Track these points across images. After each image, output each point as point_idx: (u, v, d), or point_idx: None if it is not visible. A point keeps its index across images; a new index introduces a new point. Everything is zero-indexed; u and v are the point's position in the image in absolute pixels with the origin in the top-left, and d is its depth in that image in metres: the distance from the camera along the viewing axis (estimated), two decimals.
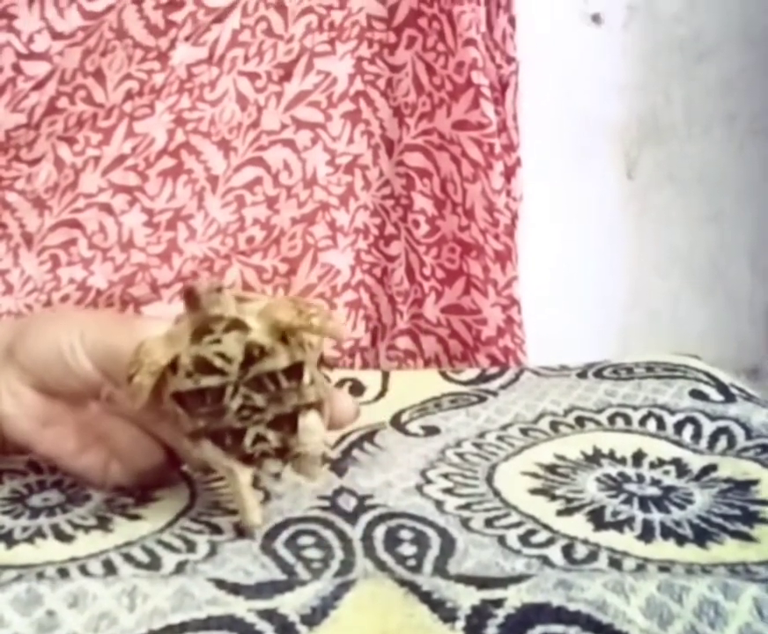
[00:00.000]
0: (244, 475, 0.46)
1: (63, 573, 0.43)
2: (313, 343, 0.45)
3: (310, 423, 0.45)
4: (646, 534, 0.47)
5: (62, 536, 0.47)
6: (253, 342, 0.44)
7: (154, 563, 0.44)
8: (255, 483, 0.50)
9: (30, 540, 0.46)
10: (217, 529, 0.47)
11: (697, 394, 0.62)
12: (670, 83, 0.96)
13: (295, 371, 0.45)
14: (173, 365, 0.44)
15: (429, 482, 0.52)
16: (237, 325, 0.44)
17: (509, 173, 0.78)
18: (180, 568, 0.44)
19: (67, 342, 0.48)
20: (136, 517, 0.48)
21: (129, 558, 0.44)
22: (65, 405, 0.50)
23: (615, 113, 0.95)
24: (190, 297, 0.44)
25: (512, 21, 0.78)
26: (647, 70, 0.95)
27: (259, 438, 0.45)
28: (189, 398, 0.45)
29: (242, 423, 0.45)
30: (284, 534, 0.47)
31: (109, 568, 0.43)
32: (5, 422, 0.50)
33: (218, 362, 0.44)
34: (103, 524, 0.48)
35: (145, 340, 0.45)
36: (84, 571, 0.43)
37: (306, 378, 0.45)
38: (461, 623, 0.38)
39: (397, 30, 0.75)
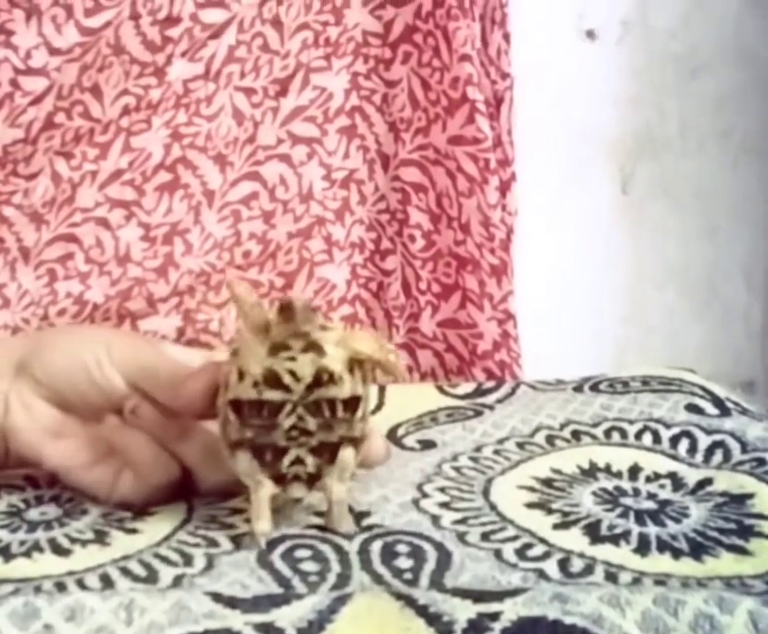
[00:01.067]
0: (267, 488, 0.46)
1: (61, 587, 0.43)
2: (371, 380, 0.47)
3: (347, 458, 0.47)
4: (642, 548, 0.47)
5: (60, 550, 0.47)
6: (324, 367, 0.45)
7: (151, 577, 0.44)
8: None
9: (27, 554, 0.46)
10: (214, 543, 0.47)
11: (692, 408, 0.62)
12: (665, 98, 0.96)
13: (351, 403, 0.46)
14: (240, 372, 0.45)
15: (425, 496, 0.52)
16: (314, 347, 0.45)
17: (504, 188, 0.78)
18: (177, 581, 0.44)
19: (92, 356, 0.49)
20: (133, 531, 0.48)
21: (126, 572, 0.44)
22: (78, 419, 0.50)
23: (609, 127, 0.96)
24: (287, 309, 0.45)
25: (506, 37, 0.78)
26: (642, 86, 0.95)
27: (297, 461, 0.46)
28: (246, 407, 0.45)
29: (287, 443, 0.46)
30: (281, 548, 0.47)
31: (106, 582, 0.43)
32: (16, 435, 0.50)
33: (287, 379, 0.45)
34: (100, 538, 0.48)
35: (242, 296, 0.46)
36: (81, 584, 0.43)
37: (360, 413, 0.46)
38: None
39: (393, 46, 0.76)
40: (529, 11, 0.84)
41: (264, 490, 0.46)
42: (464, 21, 0.73)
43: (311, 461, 0.46)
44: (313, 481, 0.47)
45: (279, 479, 0.46)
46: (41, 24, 0.69)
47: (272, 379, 0.45)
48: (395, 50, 0.76)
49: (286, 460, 0.46)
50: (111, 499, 0.50)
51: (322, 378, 0.45)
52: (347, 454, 0.47)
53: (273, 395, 0.45)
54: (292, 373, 0.45)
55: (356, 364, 0.46)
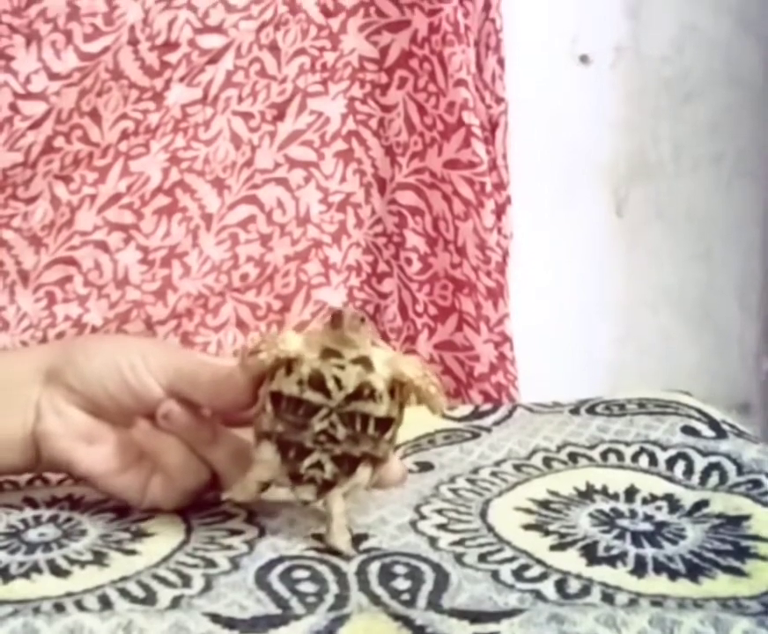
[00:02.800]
0: (263, 475, 0.48)
1: (59, 608, 0.43)
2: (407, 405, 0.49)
3: (363, 475, 0.48)
4: (639, 569, 0.47)
5: (58, 571, 0.47)
6: (368, 381, 0.47)
7: (150, 598, 0.44)
8: (251, 519, 0.51)
9: (26, 575, 0.46)
10: (212, 563, 0.47)
11: (688, 431, 0.62)
12: (658, 122, 0.97)
13: (384, 423, 0.47)
14: (290, 366, 0.47)
15: (423, 517, 0.52)
16: (364, 361, 0.47)
17: (500, 211, 0.79)
18: (175, 602, 0.44)
19: (126, 361, 0.50)
20: (131, 552, 0.49)
21: (124, 593, 0.44)
22: (109, 424, 0.51)
23: (603, 151, 0.96)
24: (336, 317, 0.46)
25: (501, 62, 0.79)
26: (635, 110, 0.96)
27: (317, 465, 0.47)
28: (285, 401, 0.47)
29: (313, 445, 0.47)
30: (279, 568, 0.47)
31: (105, 603, 0.44)
32: (47, 440, 0.51)
33: (331, 384, 0.46)
34: (99, 559, 0.48)
35: (287, 332, 0.48)
36: (79, 605, 0.43)
37: (389, 435, 0.48)
38: None
39: (389, 71, 0.76)
40: (524, 37, 0.85)
41: (260, 474, 0.48)
42: (459, 47, 0.74)
43: (330, 468, 0.48)
44: (325, 488, 0.48)
45: (295, 478, 0.48)
46: (41, 49, 0.69)
47: (316, 381, 0.47)
48: (392, 75, 0.76)
49: (307, 462, 0.47)
50: (142, 504, 0.51)
51: (363, 391, 0.47)
52: (365, 472, 0.48)
53: (313, 397, 0.47)
54: (337, 380, 0.46)
55: (397, 387, 0.48)
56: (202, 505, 0.52)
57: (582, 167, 0.96)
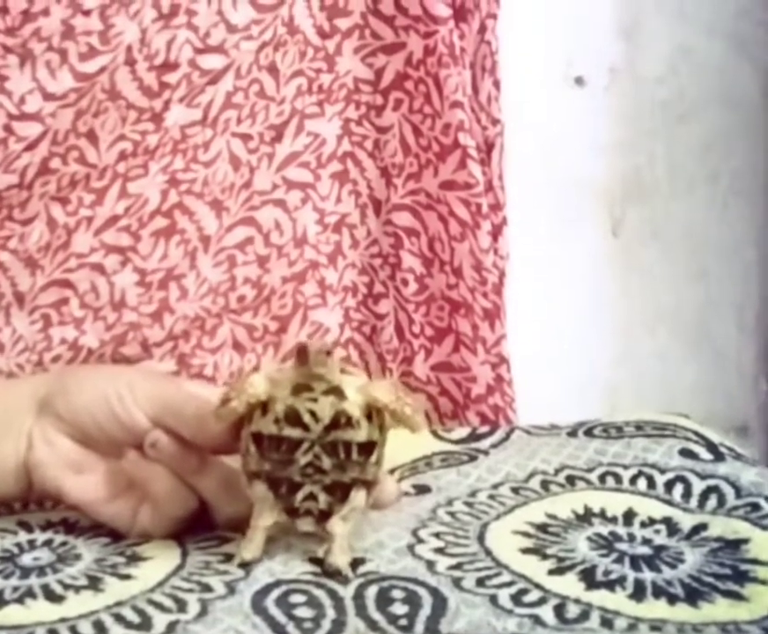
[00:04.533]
0: (266, 520, 0.48)
1: None
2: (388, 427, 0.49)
3: (357, 499, 0.49)
4: (638, 594, 0.47)
5: (53, 596, 0.46)
6: (343, 410, 0.47)
7: (145, 624, 0.44)
8: None
9: (20, 600, 0.46)
10: (208, 588, 0.47)
11: (686, 453, 0.62)
12: (653, 143, 0.97)
13: (367, 447, 0.48)
14: (265, 407, 0.48)
15: (420, 541, 0.52)
16: (335, 391, 0.48)
17: (496, 232, 0.79)
18: (170, 628, 0.44)
19: (115, 393, 0.51)
20: (126, 576, 0.48)
21: (119, 619, 0.44)
22: (98, 454, 0.52)
23: (598, 172, 0.96)
24: (302, 353, 0.47)
25: (496, 84, 0.79)
26: (630, 131, 0.96)
27: (310, 497, 0.48)
28: (266, 441, 0.48)
29: (302, 479, 0.48)
30: (276, 593, 0.46)
31: (100, 629, 0.43)
32: (37, 469, 0.52)
33: (307, 418, 0.47)
34: (94, 584, 0.47)
35: (253, 374, 0.49)
36: (74, 632, 0.43)
37: (374, 458, 0.49)
38: None
39: (384, 92, 0.76)
40: (519, 59, 0.85)
41: (263, 520, 0.48)
42: (455, 69, 0.74)
43: (323, 499, 0.48)
44: (323, 517, 0.49)
45: (292, 512, 0.49)
46: (35, 69, 0.69)
47: (293, 417, 0.47)
48: (387, 97, 0.76)
49: (300, 495, 0.48)
50: (131, 533, 0.52)
51: (340, 420, 0.47)
52: (359, 496, 0.49)
53: (292, 432, 0.47)
54: (312, 413, 0.47)
55: (374, 411, 0.48)
56: (196, 530, 0.52)
57: (578, 188, 0.96)
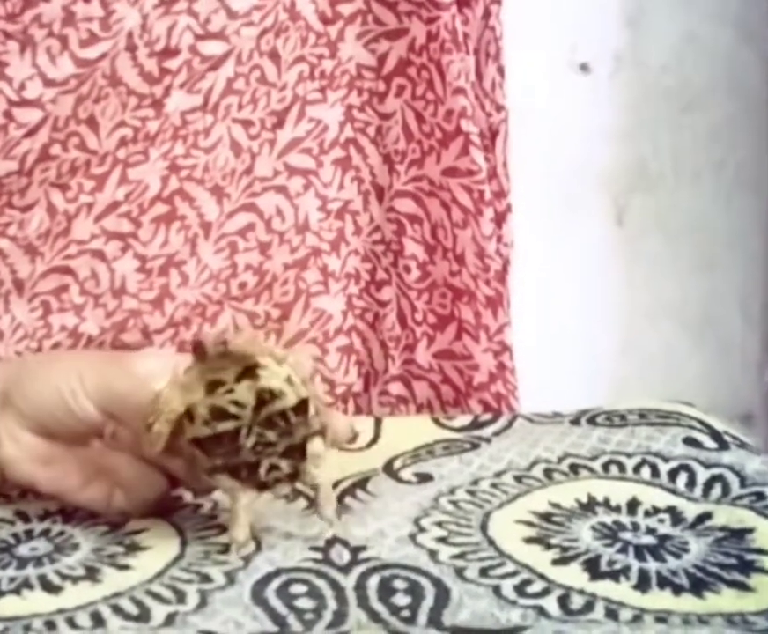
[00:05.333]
0: (246, 497, 0.49)
1: (51, 626, 0.42)
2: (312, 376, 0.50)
3: (316, 448, 0.49)
4: (643, 584, 0.46)
5: (50, 587, 0.46)
6: (263, 387, 0.48)
7: (143, 615, 0.43)
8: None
9: (17, 591, 0.45)
10: (207, 578, 0.46)
11: (690, 442, 0.61)
12: (658, 132, 0.97)
13: (301, 406, 0.48)
14: (189, 414, 0.48)
15: (422, 530, 0.51)
16: (247, 374, 0.48)
17: (500, 219, 0.78)
18: (169, 620, 0.43)
19: (67, 387, 0.51)
20: (125, 567, 0.48)
21: (117, 610, 0.44)
22: (65, 444, 0.53)
23: (603, 161, 0.96)
24: (198, 350, 0.48)
25: (500, 70, 0.78)
26: (635, 119, 0.96)
27: (272, 468, 0.49)
28: (207, 442, 0.48)
29: (257, 457, 0.48)
30: (276, 582, 0.46)
31: (97, 620, 0.43)
32: (8, 466, 0.52)
33: (233, 409, 0.48)
34: (92, 574, 0.47)
35: (162, 390, 0.48)
36: (71, 623, 0.43)
37: (312, 410, 0.49)
38: None
39: (387, 79, 0.76)
40: (523, 45, 0.85)
41: (241, 501, 0.49)
42: (458, 55, 0.74)
43: (285, 464, 0.49)
44: (293, 478, 0.50)
45: (262, 486, 0.49)
46: (36, 55, 0.68)
47: (219, 413, 0.48)
48: (389, 83, 0.76)
49: (262, 471, 0.49)
50: (108, 514, 0.52)
51: (264, 397, 0.48)
52: (315, 446, 0.49)
53: (226, 426, 0.48)
54: (236, 403, 0.48)
55: (288, 368, 0.49)
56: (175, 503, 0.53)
57: (582, 176, 0.96)
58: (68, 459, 0.53)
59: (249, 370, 0.48)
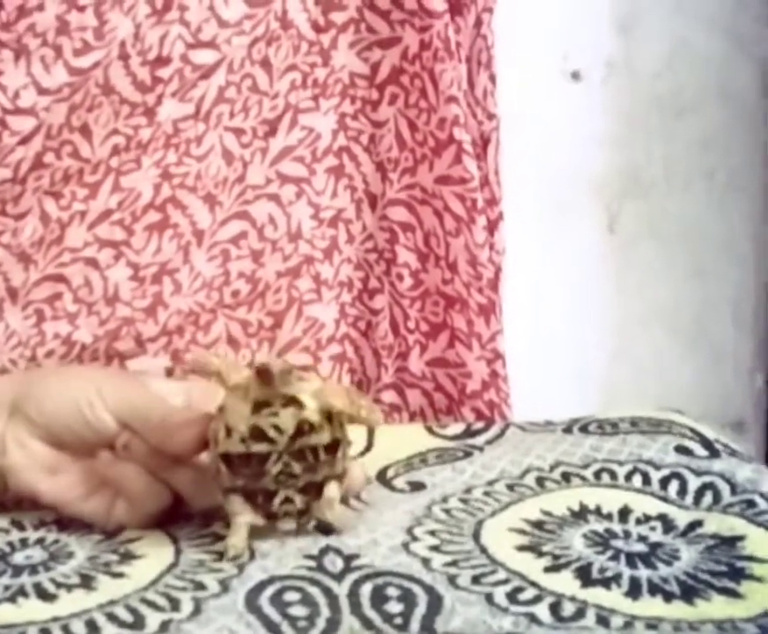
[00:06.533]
0: (247, 517, 0.50)
1: None
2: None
3: (332, 492, 0.51)
4: (634, 591, 0.47)
5: (45, 595, 0.46)
6: (305, 419, 0.49)
7: (138, 623, 0.44)
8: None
9: (12, 599, 0.46)
10: (201, 586, 0.47)
11: (682, 450, 0.62)
12: (650, 139, 0.97)
13: (332, 446, 0.50)
14: (227, 429, 0.49)
15: (415, 539, 0.52)
16: (294, 402, 0.49)
17: (492, 227, 0.78)
18: (164, 627, 0.43)
19: (84, 399, 0.52)
20: (119, 575, 0.48)
21: (112, 618, 0.44)
22: (71, 454, 0.53)
23: (595, 168, 0.96)
24: (265, 375, 0.49)
25: (492, 78, 0.78)
26: (627, 126, 0.96)
27: (287, 500, 0.50)
28: (235, 459, 0.49)
29: (276, 486, 0.50)
30: (270, 590, 0.46)
31: (92, 628, 0.43)
32: (12, 473, 0.53)
33: (272, 432, 0.49)
34: (86, 582, 0.47)
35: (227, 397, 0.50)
36: (66, 631, 0.43)
37: (340, 453, 0.51)
38: None
39: (380, 87, 0.76)
40: (515, 53, 0.85)
41: (244, 517, 0.50)
42: (450, 63, 0.74)
43: (299, 499, 0.50)
44: (301, 515, 0.51)
45: (271, 516, 0.50)
46: (30, 64, 0.69)
47: (258, 434, 0.49)
48: (382, 91, 0.76)
49: (276, 501, 0.50)
50: (107, 527, 0.53)
51: (304, 428, 0.49)
52: (332, 489, 0.51)
53: (260, 448, 0.49)
54: (276, 427, 0.49)
55: (333, 412, 0.50)
56: (173, 519, 0.53)
57: (574, 183, 0.96)
58: (73, 469, 0.53)
59: (297, 401, 0.49)
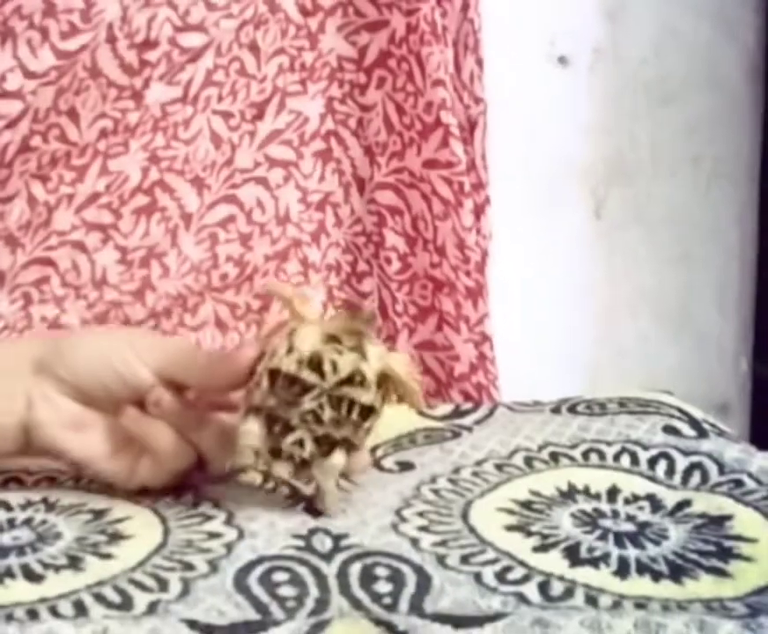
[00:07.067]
0: (255, 435, 0.50)
1: (33, 614, 0.42)
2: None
3: (338, 460, 0.50)
4: (622, 571, 0.47)
5: (32, 576, 0.46)
6: (360, 369, 0.49)
7: (126, 604, 0.43)
8: (230, 521, 0.51)
9: None
10: (189, 567, 0.46)
11: (670, 430, 0.62)
12: (636, 125, 0.97)
13: (367, 411, 0.50)
14: (290, 347, 0.49)
15: (404, 520, 0.52)
16: (359, 350, 0.50)
17: (478, 211, 0.79)
18: (152, 608, 0.43)
19: (116, 352, 0.52)
20: (107, 555, 0.48)
21: (100, 598, 0.44)
22: (98, 411, 0.53)
23: (581, 153, 0.96)
24: (352, 311, 0.52)
25: (479, 62, 0.78)
26: (613, 112, 0.96)
27: (299, 442, 0.50)
28: (281, 379, 0.49)
29: (299, 423, 0.50)
30: (258, 570, 0.46)
31: (80, 609, 0.43)
32: (38, 429, 0.53)
33: (327, 367, 0.49)
34: (74, 563, 0.47)
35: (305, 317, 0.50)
36: (54, 612, 0.42)
37: (368, 423, 0.51)
38: None
39: (367, 71, 0.76)
40: (502, 38, 0.85)
41: (253, 433, 0.50)
42: (437, 46, 0.74)
43: (309, 447, 0.50)
44: (301, 467, 0.50)
45: (275, 452, 0.50)
46: (16, 47, 0.68)
47: (314, 363, 0.49)
48: (370, 75, 0.76)
49: (290, 438, 0.50)
50: (130, 485, 0.53)
51: (355, 378, 0.49)
52: (340, 457, 0.50)
53: (309, 377, 0.49)
54: (333, 364, 0.49)
55: (384, 381, 0.50)
56: (191, 481, 0.54)
57: (561, 169, 0.96)
58: (99, 426, 0.53)
59: (362, 351, 0.49)
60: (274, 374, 0.49)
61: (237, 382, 0.51)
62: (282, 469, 0.51)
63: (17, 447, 0.54)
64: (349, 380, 0.49)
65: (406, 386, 0.51)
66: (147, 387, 0.52)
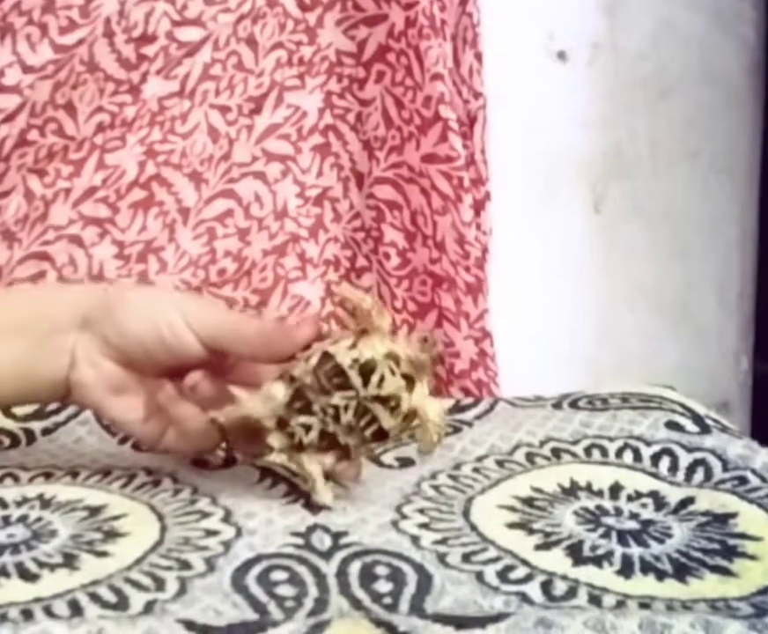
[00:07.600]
0: (278, 396, 0.51)
1: (27, 615, 0.41)
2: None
3: (326, 461, 0.51)
4: (626, 570, 0.46)
5: (27, 575, 0.45)
6: (399, 397, 0.50)
7: (122, 603, 0.43)
8: (228, 519, 0.50)
9: None
10: (186, 565, 0.46)
11: (672, 426, 0.61)
12: (634, 119, 0.96)
13: (380, 434, 0.50)
14: (354, 343, 0.50)
15: (404, 517, 0.51)
16: (409, 380, 0.50)
17: (478, 207, 0.78)
18: (148, 608, 0.42)
19: (165, 320, 0.53)
20: (103, 554, 0.47)
21: (95, 598, 0.43)
22: (138, 376, 0.54)
23: (580, 148, 0.96)
24: (424, 341, 0.50)
25: (478, 57, 0.78)
26: (612, 107, 0.96)
27: (305, 427, 0.50)
28: (330, 365, 0.50)
29: (318, 410, 0.50)
30: (257, 569, 0.45)
31: (75, 609, 0.42)
32: (80, 388, 0.54)
33: (375, 378, 0.49)
34: (69, 562, 0.46)
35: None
36: (48, 612, 0.42)
37: (374, 446, 0.52)
38: None
39: (366, 65, 0.75)
40: (500, 32, 0.85)
41: (275, 395, 0.51)
42: (436, 40, 0.73)
43: (312, 436, 0.50)
44: (293, 449, 0.51)
45: (281, 424, 0.51)
46: (15, 42, 0.68)
47: (366, 369, 0.49)
48: (369, 69, 0.76)
49: (301, 419, 0.50)
50: (157, 449, 0.56)
51: (390, 401, 0.50)
52: (329, 459, 0.51)
53: (355, 379, 0.50)
54: (381, 379, 0.49)
55: (412, 417, 0.51)
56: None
57: (560, 164, 0.95)
58: (138, 391, 0.54)
59: (412, 381, 0.50)
60: (326, 358, 0.50)
61: (288, 356, 0.52)
62: (276, 441, 0.51)
63: (54, 397, 0.56)
64: (384, 400, 0.50)
65: (430, 433, 0.51)
66: (194, 355, 0.53)
